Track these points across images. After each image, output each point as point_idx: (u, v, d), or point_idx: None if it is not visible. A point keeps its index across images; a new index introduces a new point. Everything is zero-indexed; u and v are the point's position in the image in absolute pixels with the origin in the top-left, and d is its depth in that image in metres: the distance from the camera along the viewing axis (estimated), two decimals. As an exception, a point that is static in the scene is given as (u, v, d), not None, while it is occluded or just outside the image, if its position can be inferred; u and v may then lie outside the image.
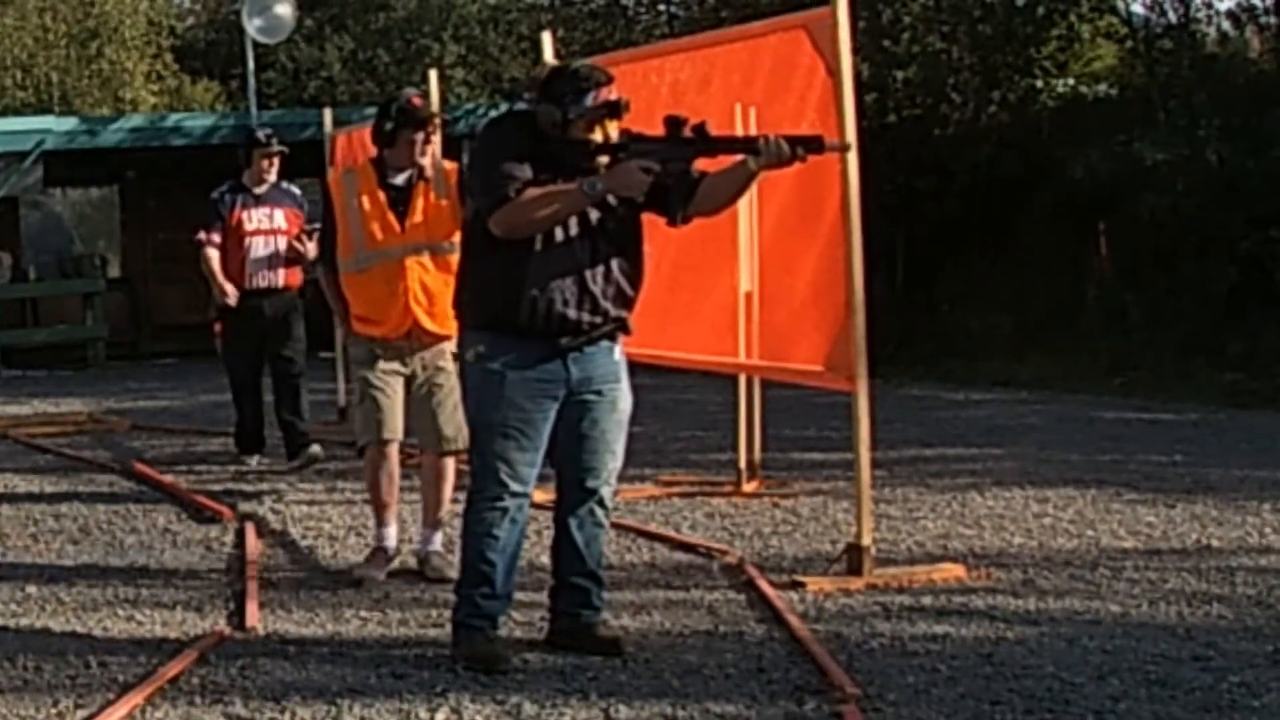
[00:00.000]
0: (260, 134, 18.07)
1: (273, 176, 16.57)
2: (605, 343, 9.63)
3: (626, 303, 9.61)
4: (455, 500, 11.38)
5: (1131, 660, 9.55)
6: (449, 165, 12.21)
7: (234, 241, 16.52)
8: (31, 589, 12.63)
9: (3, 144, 36.65)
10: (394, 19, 53.00)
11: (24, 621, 11.54)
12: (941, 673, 9.28)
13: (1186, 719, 8.45)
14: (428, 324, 11.44)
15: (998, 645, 9.99)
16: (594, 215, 9.31)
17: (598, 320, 9.44)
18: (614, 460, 9.91)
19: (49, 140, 37.18)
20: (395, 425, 11.85)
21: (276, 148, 17.08)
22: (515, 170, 9.13)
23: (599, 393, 9.63)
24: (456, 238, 10.95)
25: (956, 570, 12.18)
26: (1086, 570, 12.08)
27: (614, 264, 9.49)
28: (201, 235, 16.22)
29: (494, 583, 9.67)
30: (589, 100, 9.00)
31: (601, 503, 9.93)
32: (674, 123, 9.01)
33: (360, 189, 11.60)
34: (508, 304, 9.22)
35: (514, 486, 9.56)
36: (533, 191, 9.05)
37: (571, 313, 9.32)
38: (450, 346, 11.40)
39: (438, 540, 11.86)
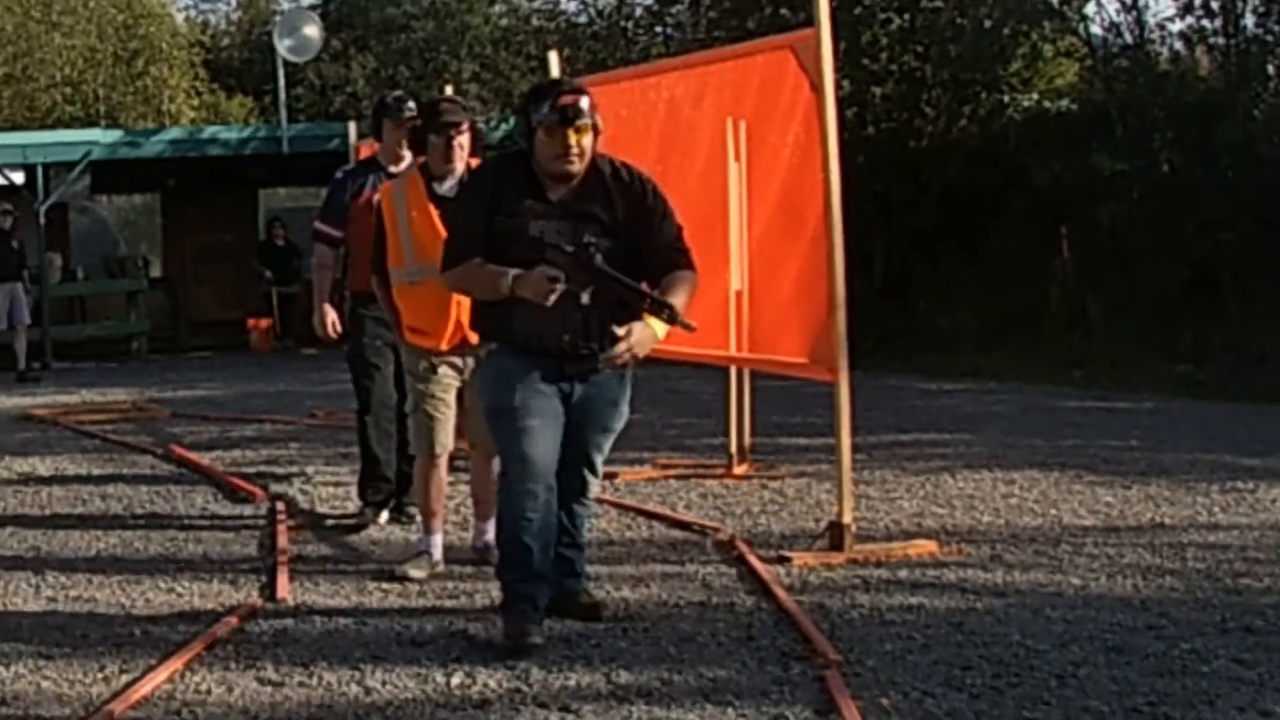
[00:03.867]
0: (390, 98, 13.88)
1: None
2: (609, 376, 9.43)
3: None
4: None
5: (1091, 629, 9.56)
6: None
7: (362, 233, 12.51)
8: (80, 564, 12.65)
9: (53, 155, 36.66)
10: (414, 39, 53.04)
11: (73, 593, 11.58)
12: (916, 640, 9.29)
13: (1141, 683, 8.45)
14: (474, 338, 10.73)
15: (968, 615, 9.99)
16: (596, 259, 8.94)
17: (592, 347, 9.19)
18: (598, 462, 9.86)
19: (96, 151, 37.18)
20: (445, 439, 11.48)
21: (410, 110, 12.82)
22: (467, 239, 9.16)
23: (594, 415, 9.52)
24: None
25: (930, 546, 12.18)
26: (1050, 546, 12.08)
27: (604, 298, 9.10)
28: (319, 227, 13.49)
29: (529, 565, 9.45)
30: (546, 107, 8.77)
31: (586, 489, 9.90)
32: (584, 248, 8.80)
33: (410, 201, 11.09)
34: (507, 330, 9.20)
35: (538, 470, 9.29)
36: (469, 267, 9.09)
37: (565, 342, 9.15)
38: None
39: (491, 530, 11.25)
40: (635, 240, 9.21)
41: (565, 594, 9.91)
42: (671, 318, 8.77)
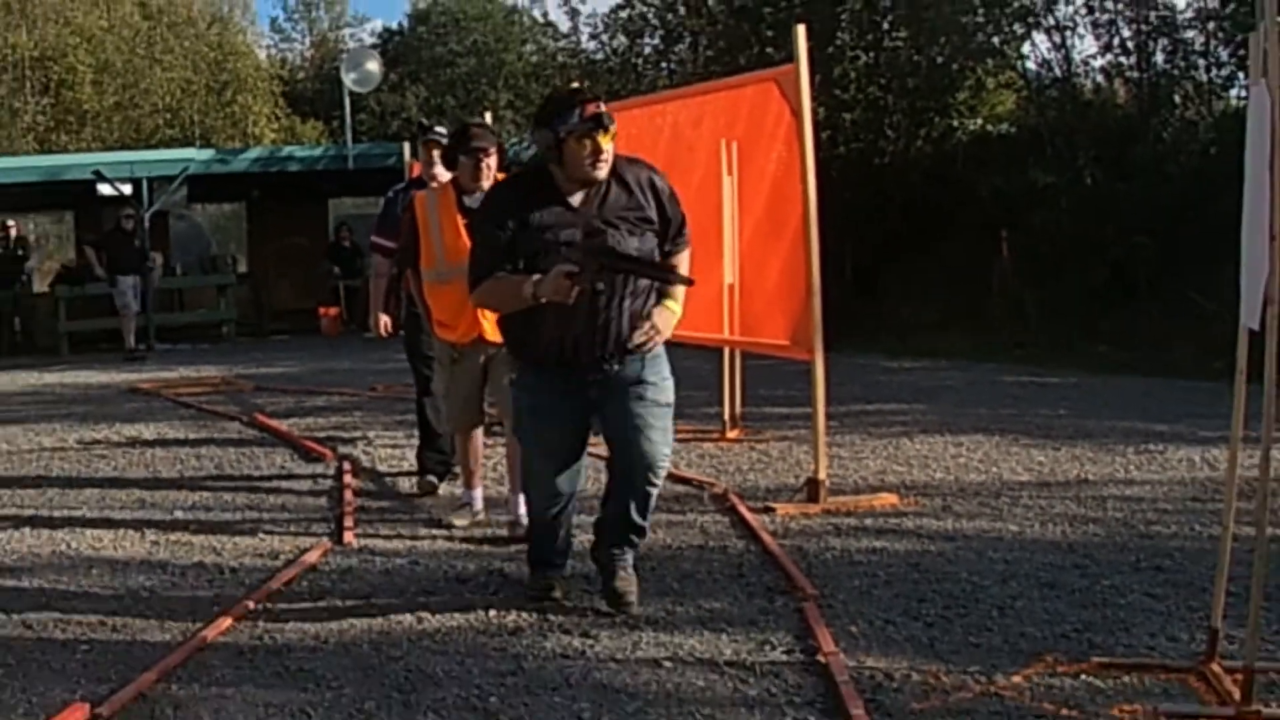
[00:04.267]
0: (420, 123, 14.20)
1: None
2: (626, 365, 8.48)
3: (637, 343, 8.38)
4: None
5: (1026, 568, 9.57)
6: None
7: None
8: (179, 513, 12.68)
9: (156, 170, 36.65)
10: (458, 73, 53.08)
11: (172, 537, 11.60)
12: (880, 578, 9.30)
13: (1069, 614, 8.45)
14: (490, 334, 10.49)
15: (923, 556, 10.00)
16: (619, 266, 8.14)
17: (612, 354, 8.35)
18: (654, 446, 8.57)
19: (192, 166, 37.18)
20: (473, 415, 11.28)
21: (436, 132, 12.76)
22: (487, 258, 8.33)
23: (629, 391, 8.45)
24: None
25: (891, 498, 12.16)
26: (991, 498, 12.07)
27: (625, 306, 8.33)
28: (375, 240, 13.51)
29: (553, 539, 9.07)
30: (575, 117, 7.99)
31: (653, 469, 8.61)
32: (594, 233, 8.16)
33: (441, 210, 10.89)
34: (528, 343, 8.43)
35: (559, 491, 8.80)
36: (492, 282, 8.26)
37: (584, 355, 8.31)
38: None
39: (523, 506, 10.64)
40: (658, 230, 8.54)
41: (609, 560, 8.94)
42: (679, 279, 8.45)
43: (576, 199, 8.35)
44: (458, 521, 11.10)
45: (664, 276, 8.50)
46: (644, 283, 8.50)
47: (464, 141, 10.60)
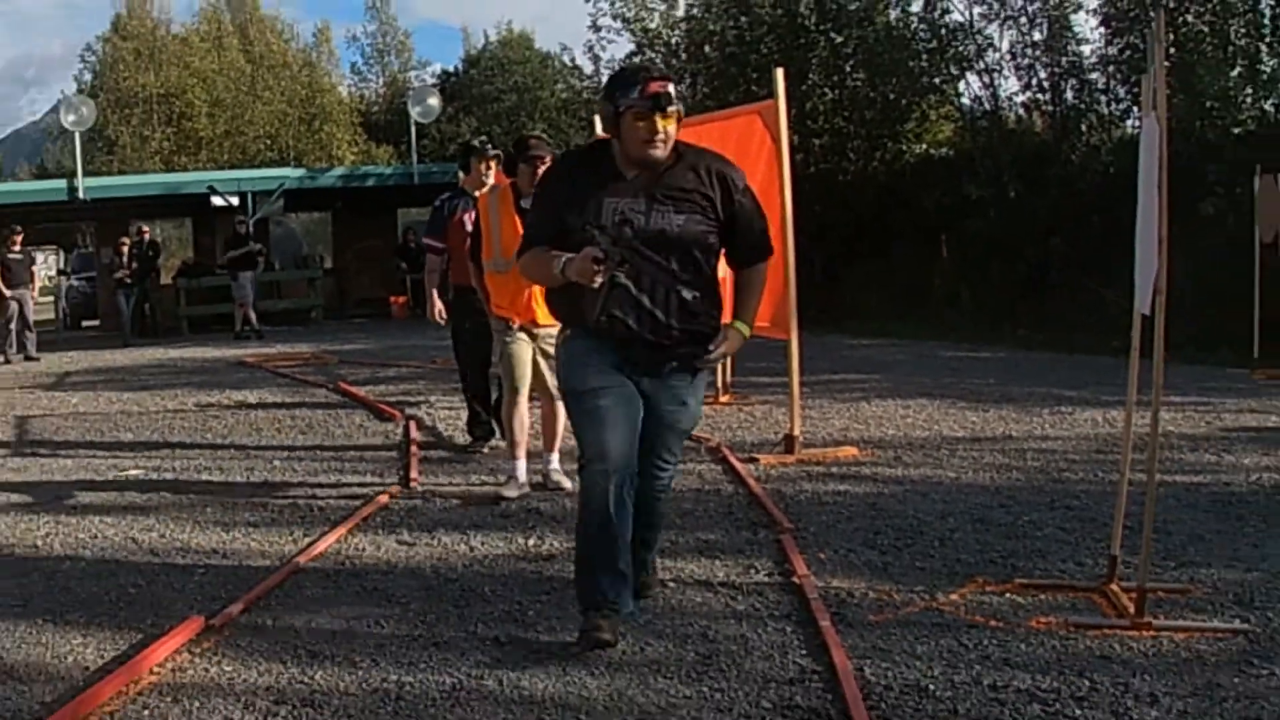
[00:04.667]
0: (476, 141, 13.50)
1: (491, 179, 11.87)
2: (679, 371, 6.93)
3: (692, 322, 6.83)
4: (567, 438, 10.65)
5: (962, 507, 9.55)
6: None
7: (458, 241, 12.33)
8: (276, 461, 12.69)
9: (259, 185, 36.79)
10: (502, 107, 53.11)
11: (274, 479, 11.67)
12: (844, 514, 9.29)
13: (996, 544, 8.44)
14: (542, 317, 10.05)
15: (878, 498, 9.97)
16: (659, 244, 6.71)
17: (662, 338, 6.76)
18: (670, 458, 7.26)
19: (287, 182, 37.33)
20: (525, 376, 10.66)
21: (492, 151, 12.40)
22: (535, 230, 6.98)
23: (662, 412, 6.95)
24: None
25: (853, 450, 12.12)
26: (933, 450, 12.04)
27: (680, 289, 6.77)
28: (427, 241, 12.93)
29: (604, 556, 6.82)
30: (635, 93, 6.56)
31: (659, 479, 7.25)
32: (620, 225, 6.68)
33: (501, 210, 10.45)
34: (582, 317, 6.78)
35: (613, 455, 6.77)
36: (531, 254, 6.86)
37: (633, 329, 6.74)
38: (558, 334, 9.50)
39: (555, 460, 10.75)
40: (730, 228, 7.02)
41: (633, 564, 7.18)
42: (693, 289, 6.78)
43: (637, 177, 6.84)
44: (508, 493, 10.54)
45: (685, 283, 6.75)
46: (704, 273, 7.04)
47: (523, 150, 10.29)
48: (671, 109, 6.63)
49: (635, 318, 6.78)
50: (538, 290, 9.93)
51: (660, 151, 6.71)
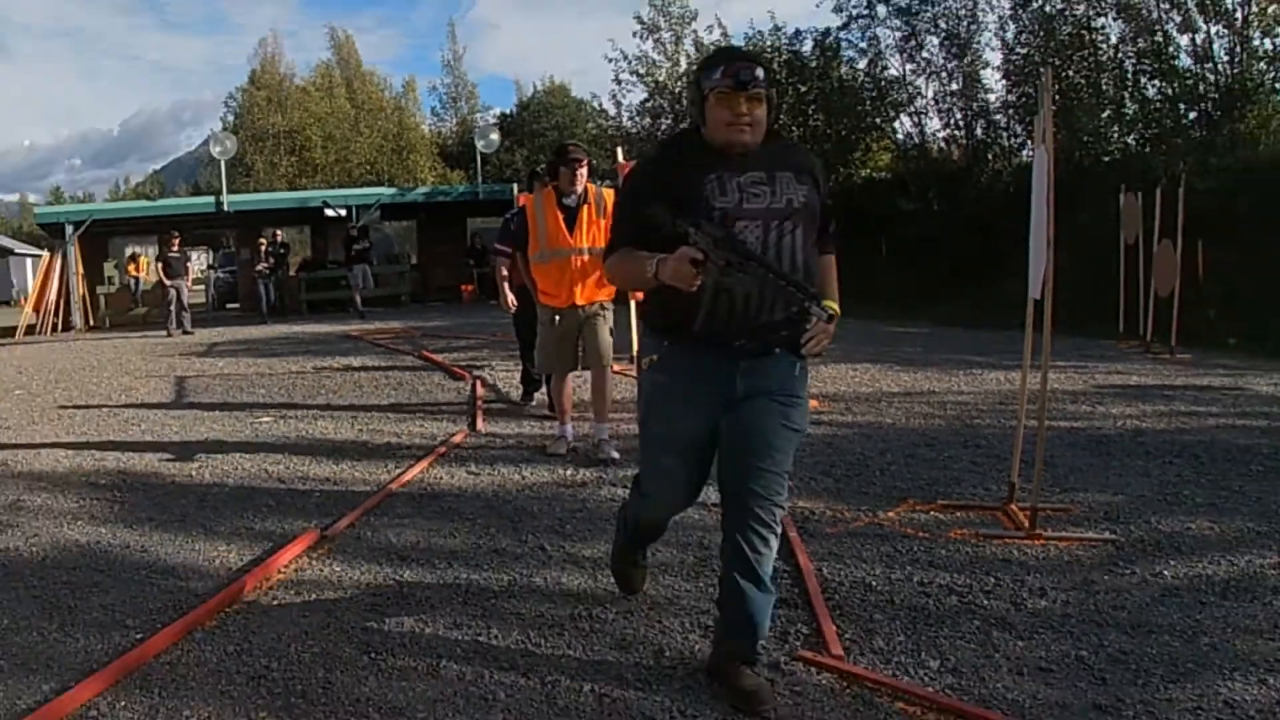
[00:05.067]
0: (539, 169, 11.82)
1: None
2: (781, 352, 5.07)
3: (794, 314, 4.97)
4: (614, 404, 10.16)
5: (896, 445, 9.53)
6: (608, 193, 9.76)
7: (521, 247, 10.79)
8: (374, 412, 12.68)
9: (361, 200, 36.69)
10: (547, 140, 52.75)
11: (371, 426, 11.61)
12: (807, 452, 9.22)
13: (923, 473, 8.44)
14: (580, 299, 9.58)
15: (833, 439, 9.95)
16: (772, 234, 4.97)
17: (769, 332, 4.99)
18: (777, 477, 5.06)
19: (382, 198, 37.21)
20: (567, 359, 9.77)
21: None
22: (619, 232, 5.21)
23: (770, 400, 5.06)
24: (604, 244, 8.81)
25: (815, 403, 12.05)
26: (875, 403, 11.98)
27: (784, 283, 4.89)
28: (497, 246, 11.64)
29: (650, 541, 5.89)
30: (719, 74, 4.90)
31: (762, 522, 4.97)
32: (721, 227, 4.77)
33: (545, 208, 9.78)
34: (686, 313, 4.88)
35: (668, 497, 5.40)
36: (618, 256, 5.10)
37: (743, 323, 4.93)
38: (598, 306, 9.68)
39: (605, 431, 9.71)
40: (819, 219, 5.32)
41: (728, 656, 5.03)
42: (822, 308, 4.83)
43: (731, 163, 5.01)
44: (557, 450, 9.87)
45: (805, 291, 4.86)
46: (806, 261, 5.20)
47: (563, 155, 9.70)
48: (757, 90, 4.92)
49: (740, 323, 4.95)
50: (577, 276, 9.61)
51: (746, 135, 4.97)
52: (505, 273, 11.30)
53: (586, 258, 9.61)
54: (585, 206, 9.61)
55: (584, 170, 9.62)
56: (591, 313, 9.70)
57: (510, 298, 11.46)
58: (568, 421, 10.20)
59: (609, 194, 9.62)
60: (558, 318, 9.82)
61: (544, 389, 12.21)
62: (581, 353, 9.92)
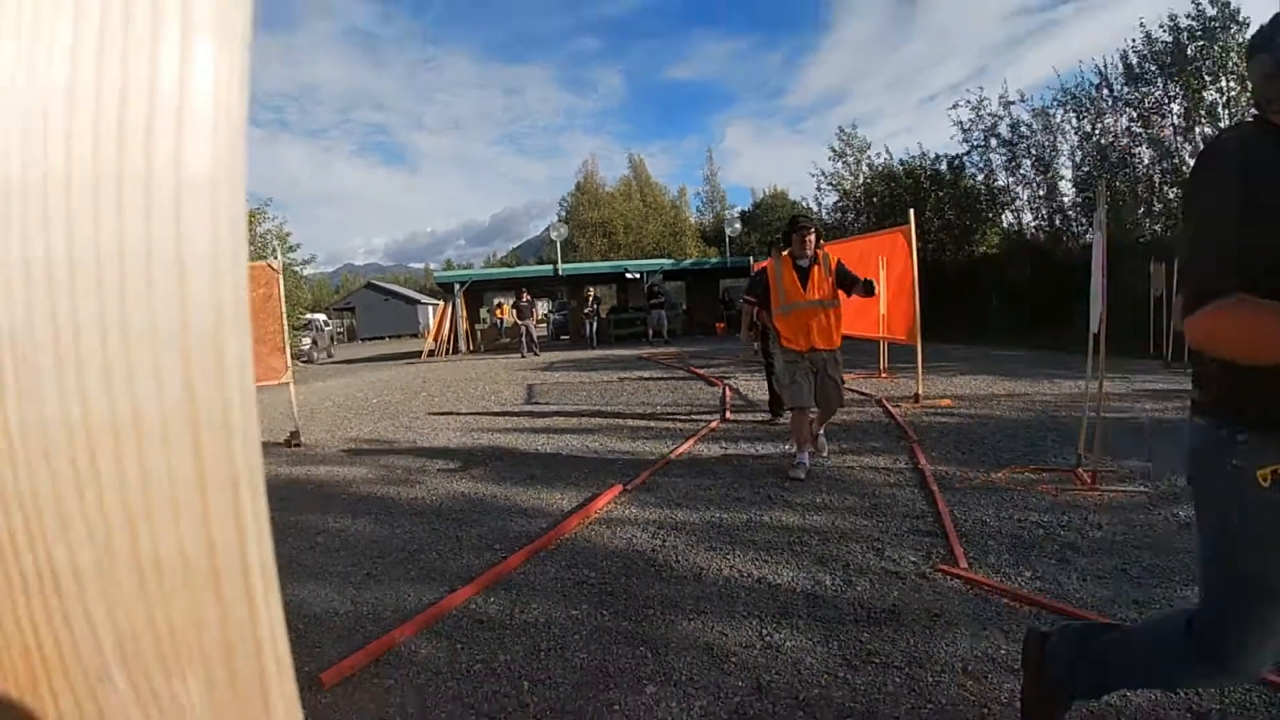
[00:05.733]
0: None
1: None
2: None
3: None
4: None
5: (1002, 429, 8.99)
6: (832, 253, 8.53)
7: (765, 299, 9.68)
8: (658, 408, 12.75)
9: (650, 268, 36.71)
10: (772, 228, 52.34)
11: (656, 415, 11.67)
12: (943, 433, 8.81)
13: (1019, 448, 7.93)
14: (819, 345, 7.88)
15: (960, 424, 9.46)
16: None
17: None
18: None
19: (664, 266, 37.39)
20: (806, 399, 7.86)
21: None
22: (1210, 272, 1.68)
23: None
24: (833, 297, 7.84)
25: (948, 401, 11.45)
26: (989, 401, 11.35)
27: None
28: (745, 297, 10.01)
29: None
30: None
31: None
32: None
33: (783, 270, 8.18)
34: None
35: (1256, 666, 2.04)
36: (1232, 314, 1.65)
37: None
38: (838, 353, 8.08)
39: (820, 430, 8.43)
40: None
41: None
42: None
43: None
44: (796, 475, 7.77)
45: None
46: None
47: (795, 224, 8.32)
48: None
49: None
50: (814, 325, 7.73)
51: None
52: (748, 318, 10.57)
53: (820, 310, 8.19)
54: (815, 267, 8.38)
55: (812, 237, 8.46)
56: (825, 359, 8.16)
57: (750, 335, 10.75)
58: (804, 451, 8.33)
59: (833, 254, 8.50)
60: (797, 360, 8.48)
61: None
62: (815, 392, 8.36)
